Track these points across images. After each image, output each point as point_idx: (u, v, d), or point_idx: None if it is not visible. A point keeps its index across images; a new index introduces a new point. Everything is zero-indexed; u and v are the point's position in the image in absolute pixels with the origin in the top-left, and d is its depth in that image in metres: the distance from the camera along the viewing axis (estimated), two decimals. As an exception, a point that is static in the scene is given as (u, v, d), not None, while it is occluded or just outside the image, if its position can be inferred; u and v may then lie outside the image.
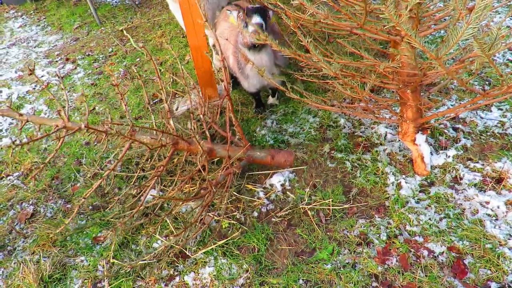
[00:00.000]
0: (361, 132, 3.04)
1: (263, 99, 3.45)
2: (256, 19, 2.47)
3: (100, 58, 4.95)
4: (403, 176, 2.61)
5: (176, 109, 3.73)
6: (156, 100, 3.94)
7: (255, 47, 2.65)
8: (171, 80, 4.15)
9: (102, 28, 5.78)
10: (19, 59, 5.28)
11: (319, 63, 2.19)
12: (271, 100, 3.39)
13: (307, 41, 2.08)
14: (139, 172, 2.69)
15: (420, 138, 2.52)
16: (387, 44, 3.65)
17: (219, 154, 2.63)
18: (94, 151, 3.35)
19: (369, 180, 2.61)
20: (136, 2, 6.37)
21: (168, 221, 2.44)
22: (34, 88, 4.52)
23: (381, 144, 2.89)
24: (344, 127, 3.11)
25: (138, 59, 4.75)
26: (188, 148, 2.58)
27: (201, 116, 2.69)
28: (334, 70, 2.21)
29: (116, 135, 2.26)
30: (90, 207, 2.72)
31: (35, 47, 5.57)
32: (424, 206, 2.41)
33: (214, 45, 4.10)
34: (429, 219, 2.33)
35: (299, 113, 3.33)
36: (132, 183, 2.69)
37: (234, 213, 2.50)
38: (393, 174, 2.62)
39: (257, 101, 3.36)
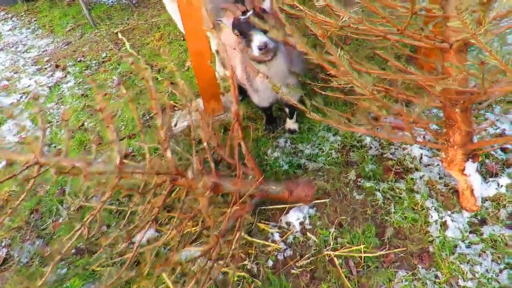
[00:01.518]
0: (390, 153, 2.58)
1: (275, 113, 2.99)
2: (260, 38, 2.02)
3: (93, 65, 4.52)
4: (448, 212, 2.15)
5: (175, 125, 3.29)
6: (153, 113, 3.49)
7: (266, 60, 2.19)
8: (170, 90, 3.70)
9: (96, 30, 5.34)
10: (5, 66, 4.86)
11: (351, 79, 1.74)
12: (289, 123, 2.90)
13: (339, 55, 1.63)
14: (132, 207, 2.26)
15: (470, 167, 2.06)
16: (414, 48, 3.19)
17: (227, 189, 2.18)
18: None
19: (406, 218, 2.16)
20: (133, 2, 5.92)
21: (164, 274, 2.01)
22: (20, 100, 4.10)
23: (416, 170, 2.43)
24: (370, 147, 2.66)
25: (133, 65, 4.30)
26: (188, 184, 2.14)
27: (204, 143, 2.24)
28: (368, 87, 1.76)
29: (99, 174, 1.82)
30: (73, 251, 2.29)
31: (23, 53, 5.14)
32: (477, 252, 1.96)
33: (217, 51, 3.65)
34: (486, 270, 1.88)
35: (316, 130, 2.87)
36: (123, 224, 2.25)
37: (245, 262, 2.06)
38: (435, 209, 2.17)
39: (268, 117, 2.91)
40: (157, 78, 3.93)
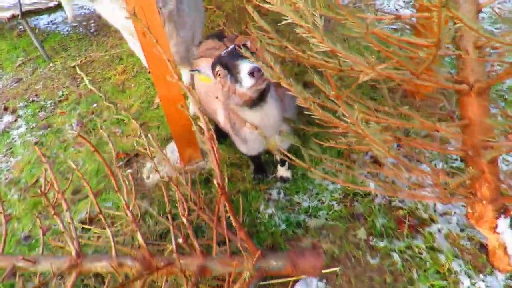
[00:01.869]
0: (399, 201, 2.28)
1: (264, 157, 2.62)
2: (249, 66, 1.65)
3: (48, 105, 4.00)
4: (480, 275, 1.85)
5: (147, 178, 2.85)
6: (121, 162, 3.04)
7: (257, 102, 1.82)
8: (139, 133, 3.26)
9: (51, 64, 4.81)
10: None
11: (371, 144, 1.41)
12: (281, 171, 2.55)
13: (356, 117, 1.30)
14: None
15: (503, 223, 1.78)
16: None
17: (216, 271, 1.78)
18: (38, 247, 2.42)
19: (433, 286, 1.84)
20: (91, 30, 5.44)
21: None
22: (-40, 153, 3.52)
23: (432, 221, 2.13)
24: (376, 195, 2.34)
25: (95, 105, 3.83)
26: (168, 271, 1.72)
27: (180, 206, 1.84)
28: (392, 151, 1.44)
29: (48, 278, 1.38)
30: None
31: (-35, 94, 4.53)
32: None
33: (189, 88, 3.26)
34: None
35: (312, 177, 2.52)
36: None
37: None
38: (465, 273, 1.86)
39: (256, 165, 2.55)
40: (123, 120, 3.48)
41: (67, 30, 5.75)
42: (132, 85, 4.02)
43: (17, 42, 5.60)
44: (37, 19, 6.23)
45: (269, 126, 2.00)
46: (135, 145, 3.15)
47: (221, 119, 2.28)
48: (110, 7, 2.58)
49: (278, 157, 2.38)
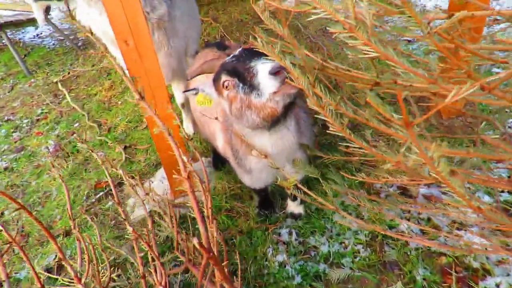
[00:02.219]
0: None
1: (271, 187, 2.18)
2: (269, 64, 1.24)
3: (24, 125, 3.56)
4: None
5: (131, 212, 2.40)
6: (102, 193, 2.59)
7: (280, 119, 1.40)
8: (124, 158, 2.83)
9: (32, 79, 4.40)
10: None
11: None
12: (292, 206, 2.11)
13: (432, 156, 0.87)
14: None
15: None
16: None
17: None
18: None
19: None
20: (78, 44, 5.06)
21: None
22: None
23: (486, 272, 1.69)
24: (410, 235, 1.90)
25: (76, 124, 3.40)
26: None
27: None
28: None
29: None
30: None
31: None
32: None
33: (183, 104, 2.85)
34: None
35: (329, 212, 2.09)
36: None
37: None
38: None
39: (262, 199, 2.11)
40: (107, 142, 3.04)
41: (53, 44, 5.37)
42: (119, 102, 3.60)
43: (-1, 56, 5.20)
44: (22, 32, 5.87)
45: (283, 154, 1.58)
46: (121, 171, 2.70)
47: (220, 143, 1.86)
48: (87, 11, 2.19)
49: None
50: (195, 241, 1.11)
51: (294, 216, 2.09)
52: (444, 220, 1.98)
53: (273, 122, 1.36)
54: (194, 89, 1.52)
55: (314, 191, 2.02)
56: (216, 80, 1.41)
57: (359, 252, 1.86)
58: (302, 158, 1.72)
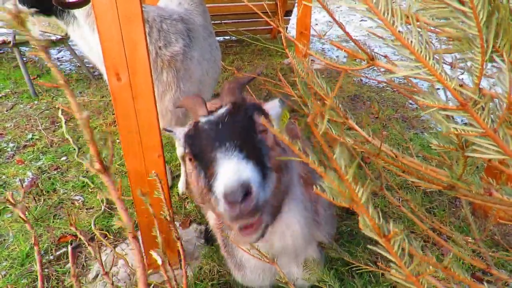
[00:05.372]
0: None
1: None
2: (230, 178, 0.80)
3: (9, 149, 3.19)
4: None
5: (93, 281, 1.90)
6: (64, 248, 2.11)
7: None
8: (103, 208, 2.38)
9: (36, 102, 4.12)
10: None
11: None
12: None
13: None
14: None
15: None
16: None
17: None
18: None
19: None
20: (94, 73, 4.85)
21: None
22: None
23: None
24: None
25: (64, 158, 3.02)
26: None
27: None
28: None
29: None
30: None
31: None
32: None
33: (183, 157, 2.45)
34: None
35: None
36: None
37: None
38: None
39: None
40: (89, 185, 2.62)
41: (70, 70, 5.19)
42: (118, 141, 3.23)
43: (11, 73, 5.00)
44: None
45: (285, 251, 1.12)
46: (92, 225, 2.24)
47: (211, 221, 1.42)
48: (79, 32, 1.89)
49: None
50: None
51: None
52: None
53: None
54: (171, 131, 1.14)
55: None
56: (184, 141, 1.01)
57: None
58: (315, 257, 1.26)
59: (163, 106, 2.12)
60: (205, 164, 0.88)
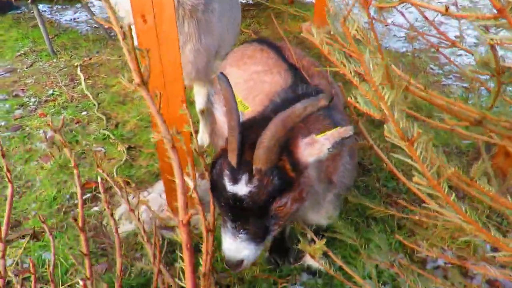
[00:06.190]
0: None
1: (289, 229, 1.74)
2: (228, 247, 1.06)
3: (31, 104, 3.26)
4: None
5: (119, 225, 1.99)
6: (89, 194, 2.20)
7: None
8: (125, 159, 2.46)
9: (54, 60, 4.16)
10: None
11: None
12: (310, 258, 1.67)
13: None
14: None
15: None
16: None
17: None
18: None
19: None
20: (111, 34, 4.84)
21: None
22: None
23: None
24: (464, 332, 1.41)
25: (84, 112, 3.08)
26: None
27: None
28: None
29: None
30: None
31: None
32: None
33: (202, 111, 2.48)
34: None
35: (357, 271, 1.62)
36: None
37: None
38: None
39: (276, 243, 1.67)
40: (110, 137, 2.69)
41: (86, 30, 5.17)
42: (136, 98, 3.28)
43: (29, 32, 5.02)
44: (60, 13, 5.75)
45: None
46: (115, 173, 2.32)
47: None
48: None
49: (309, 235, 1.49)
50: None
51: (312, 272, 1.63)
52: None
53: None
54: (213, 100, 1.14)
55: (340, 247, 1.59)
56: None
57: None
58: (332, 204, 1.30)
59: (184, 57, 2.13)
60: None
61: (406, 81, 0.87)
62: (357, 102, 0.67)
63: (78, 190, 1.01)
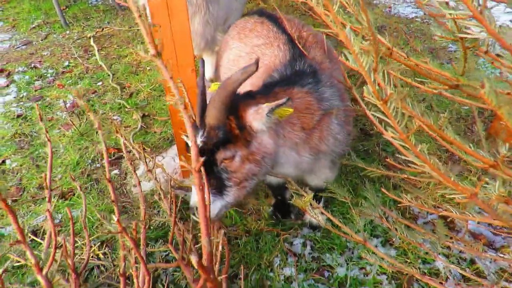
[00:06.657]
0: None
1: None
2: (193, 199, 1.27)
3: (48, 75, 3.42)
4: None
5: (135, 186, 2.18)
6: (109, 159, 2.38)
7: None
8: (139, 126, 2.62)
9: (67, 32, 4.27)
10: None
11: None
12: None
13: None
14: None
15: None
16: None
17: None
18: None
19: None
20: (120, 5, 4.89)
21: None
22: None
23: None
24: (447, 277, 1.58)
25: (100, 83, 3.23)
26: None
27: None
28: None
29: None
30: None
31: (-33, 48, 4.03)
32: None
33: (211, 80, 2.60)
34: None
35: (354, 229, 1.79)
36: None
37: None
38: None
39: (278, 201, 1.83)
40: (125, 106, 2.84)
41: (96, 1, 5.24)
42: (148, 68, 3.40)
43: (41, 4, 5.12)
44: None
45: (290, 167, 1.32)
46: (131, 140, 2.49)
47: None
48: None
49: (308, 192, 1.65)
50: (193, 259, 0.86)
51: (313, 226, 1.80)
52: (490, 266, 1.65)
53: None
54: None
55: (339, 205, 1.74)
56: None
57: (381, 284, 1.56)
58: (328, 168, 1.44)
59: (193, 28, 2.23)
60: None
61: (388, 48, 0.98)
62: (347, 60, 0.80)
63: (104, 147, 1.16)
